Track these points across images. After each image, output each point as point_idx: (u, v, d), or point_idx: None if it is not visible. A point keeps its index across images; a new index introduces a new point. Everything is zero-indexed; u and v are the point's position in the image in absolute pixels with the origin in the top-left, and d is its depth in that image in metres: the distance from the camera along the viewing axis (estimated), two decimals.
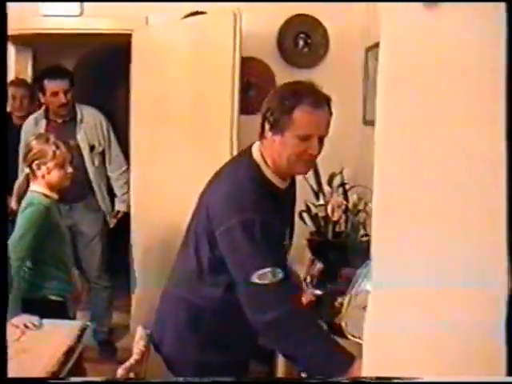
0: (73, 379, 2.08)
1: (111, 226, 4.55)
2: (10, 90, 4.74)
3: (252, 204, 2.22)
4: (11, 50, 5.61)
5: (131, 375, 2.11)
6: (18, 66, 5.79)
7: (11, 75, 5.42)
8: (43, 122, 4.46)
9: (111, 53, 5.39)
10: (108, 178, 4.54)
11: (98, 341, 4.56)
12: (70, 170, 3.18)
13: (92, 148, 4.40)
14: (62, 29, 4.43)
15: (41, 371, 2.29)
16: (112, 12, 4.26)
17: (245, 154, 2.44)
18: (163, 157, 3.97)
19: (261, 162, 2.34)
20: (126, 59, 4.32)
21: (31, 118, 4.55)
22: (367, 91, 4.01)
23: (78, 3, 4.30)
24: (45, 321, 2.70)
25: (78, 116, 4.44)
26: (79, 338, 2.64)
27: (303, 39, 4.24)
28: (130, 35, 4.20)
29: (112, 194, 4.58)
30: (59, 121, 4.46)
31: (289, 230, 2.53)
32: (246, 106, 3.91)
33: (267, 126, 2.28)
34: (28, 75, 5.86)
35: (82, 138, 4.39)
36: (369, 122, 3.98)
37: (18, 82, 4.96)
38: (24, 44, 5.67)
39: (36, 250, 2.99)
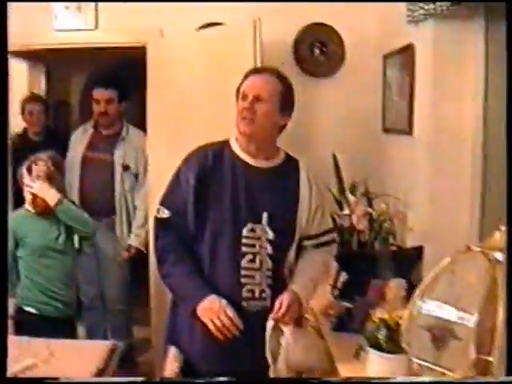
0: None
1: (120, 259, 4.42)
2: (27, 107, 4.74)
3: (192, 157, 2.58)
4: (24, 65, 5.63)
5: None
6: (31, 81, 5.81)
7: (24, 90, 5.42)
8: (90, 132, 4.48)
9: (124, 66, 5.37)
10: (135, 208, 4.41)
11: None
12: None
13: (126, 168, 4.33)
14: (75, 43, 4.38)
15: None
16: (126, 25, 4.23)
17: None
18: None
19: (232, 139, 2.60)
20: (141, 72, 4.28)
21: (81, 127, 4.58)
22: (386, 99, 3.95)
23: (92, 16, 4.26)
24: (72, 341, 2.65)
25: (123, 133, 4.42)
26: (109, 359, 2.57)
27: (319, 48, 4.19)
28: (144, 48, 4.17)
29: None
30: (104, 133, 4.46)
31: (268, 214, 2.49)
32: None
33: None
34: (41, 90, 5.88)
35: (118, 156, 4.35)
36: (388, 130, 3.92)
37: (35, 98, 4.97)
38: (37, 59, 5.69)
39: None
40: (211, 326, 2.37)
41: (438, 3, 2.96)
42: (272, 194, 2.52)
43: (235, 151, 2.56)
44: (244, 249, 2.46)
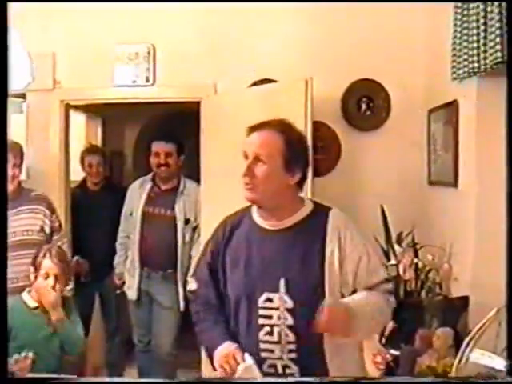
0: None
1: (181, 309, 4.43)
2: (87, 159, 4.92)
3: (217, 229, 2.47)
4: (82, 118, 5.90)
5: None
6: (89, 133, 6.07)
7: (82, 142, 5.67)
8: (148, 186, 4.56)
9: (177, 119, 5.58)
10: (190, 258, 4.46)
11: None
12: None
13: (187, 221, 4.43)
14: (132, 98, 4.59)
15: None
16: (181, 81, 4.44)
17: None
18: None
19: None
20: (193, 126, 4.46)
21: (138, 180, 4.68)
22: (431, 152, 4.06)
23: (150, 72, 4.49)
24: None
25: (181, 187, 4.50)
26: None
27: (366, 103, 4.35)
28: (198, 103, 4.36)
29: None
30: (163, 188, 4.55)
31: (286, 281, 2.25)
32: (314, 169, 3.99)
33: None
34: (98, 142, 6.14)
35: (179, 209, 4.44)
36: (434, 183, 4.02)
37: (94, 150, 5.13)
38: (95, 113, 5.95)
39: None
40: (221, 372, 2.21)
41: (482, 61, 3.08)
42: (289, 256, 2.26)
43: (252, 214, 2.38)
44: (261, 321, 2.27)
